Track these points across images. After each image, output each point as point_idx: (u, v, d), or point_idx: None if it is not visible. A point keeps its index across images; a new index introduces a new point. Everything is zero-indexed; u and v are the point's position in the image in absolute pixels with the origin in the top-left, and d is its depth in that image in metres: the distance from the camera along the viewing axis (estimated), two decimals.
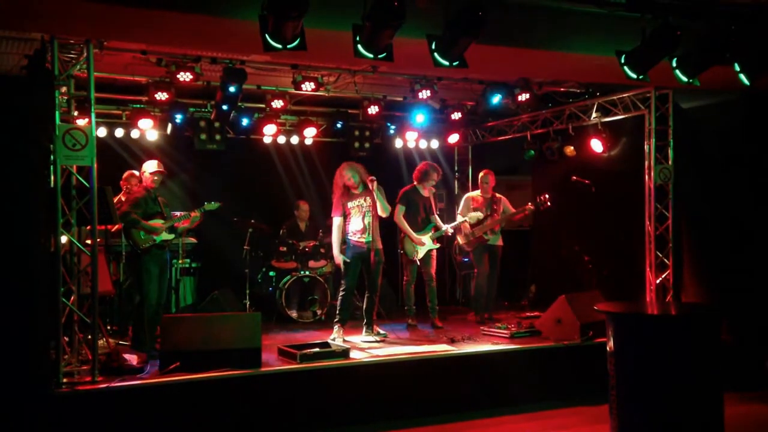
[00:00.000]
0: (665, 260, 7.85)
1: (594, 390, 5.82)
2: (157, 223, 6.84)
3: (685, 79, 6.11)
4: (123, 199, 8.05)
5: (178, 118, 8.45)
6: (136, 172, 8.31)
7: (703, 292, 7.66)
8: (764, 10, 6.06)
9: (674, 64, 6.06)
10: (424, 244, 8.08)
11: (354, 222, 7.40)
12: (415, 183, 8.28)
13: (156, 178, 6.97)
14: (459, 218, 8.46)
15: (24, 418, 5.08)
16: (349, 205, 7.43)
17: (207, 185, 9.24)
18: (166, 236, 6.90)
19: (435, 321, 8.10)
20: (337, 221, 7.48)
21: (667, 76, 6.09)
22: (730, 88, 6.57)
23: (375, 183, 7.27)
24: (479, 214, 8.36)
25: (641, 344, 4.56)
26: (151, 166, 6.99)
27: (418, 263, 8.08)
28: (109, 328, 7.46)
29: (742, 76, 6.19)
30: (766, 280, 7.24)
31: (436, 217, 8.30)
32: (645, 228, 7.91)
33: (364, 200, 7.35)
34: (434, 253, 8.23)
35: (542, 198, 8.28)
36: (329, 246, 9.14)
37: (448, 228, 8.29)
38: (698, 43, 5.90)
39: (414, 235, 8.02)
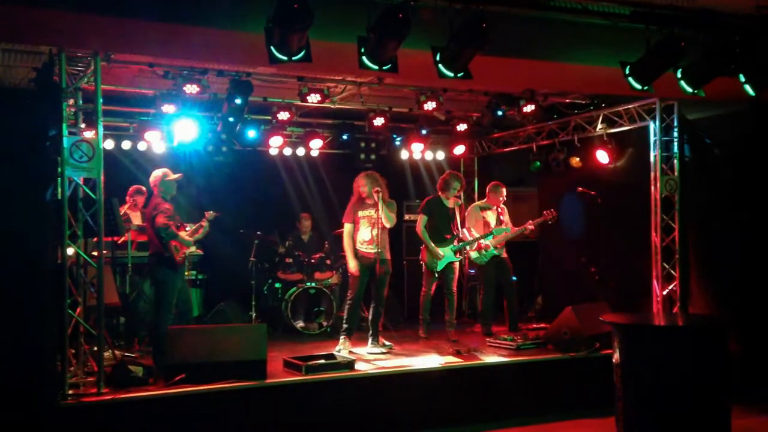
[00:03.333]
0: (672, 271, 7.82)
1: (601, 402, 5.80)
2: (185, 235, 6.75)
3: (690, 90, 6.10)
4: (128, 211, 8.10)
5: None
6: (143, 188, 8.36)
7: (711, 304, 7.61)
8: None
9: (679, 75, 6.05)
10: (443, 256, 7.92)
11: (362, 232, 7.40)
12: (439, 193, 8.16)
13: (171, 185, 6.84)
14: (475, 234, 8.24)
15: (30, 430, 5.08)
16: (360, 214, 7.43)
17: (213, 197, 9.28)
18: (192, 248, 6.86)
19: (450, 335, 7.91)
20: (347, 228, 7.46)
21: (672, 87, 6.09)
22: (736, 99, 6.56)
23: (380, 194, 7.27)
24: (505, 229, 8.26)
25: (648, 355, 4.55)
26: (161, 176, 6.84)
27: (435, 275, 7.96)
28: (114, 340, 7.46)
29: (748, 87, 6.17)
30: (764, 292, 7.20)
31: (463, 229, 8.09)
32: (651, 239, 7.88)
33: (374, 211, 7.35)
34: (456, 265, 8.04)
35: (549, 212, 8.27)
36: (335, 257, 9.17)
37: (478, 239, 8.09)
38: (703, 54, 5.90)
39: (433, 246, 7.88)
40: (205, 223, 7.06)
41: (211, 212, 7.18)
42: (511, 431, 6.15)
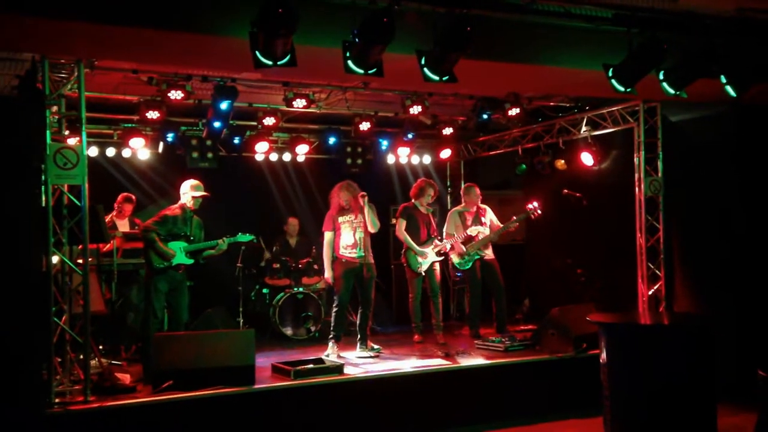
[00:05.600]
0: (657, 272, 7.88)
1: (588, 402, 5.82)
2: (171, 249, 6.60)
3: (672, 91, 6.15)
4: (115, 218, 8.05)
5: (170, 136, 8.47)
6: (132, 196, 8.33)
7: (696, 303, 7.68)
8: (749, 23, 6.13)
9: (661, 77, 6.10)
10: (427, 256, 7.95)
11: (345, 237, 7.40)
12: (413, 200, 8.20)
13: (193, 198, 6.76)
14: (455, 237, 8.25)
15: None
16: (340, 219, 7.45)
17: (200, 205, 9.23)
18: (182, 260, 6.66)
19: (439, 337, 7.92)
20: (327, 237, 7.48)
21: (655, 89, 6.14)
22: (718, 100, 6.63)
23: (365, 199, 7.29)
24: (480, 228, 8.29)
25: (634, 354, 4.58)
26: (188, 186, 6.80)
27: (423, 275, 7.96)
28: (101, 347, 7.40)
29: (729, 88, 6.24)
30: (758, 291, 7.26)
31: (438, 237, 8.15)
32: (636, 240, 7.94)
33: (355, 216, 7.36)
34: (437, 266, 8.07)
35: (532, 207, 8.26)
36: (322, 263, 9.15)
37: (446, 244, 8.15)
38: (685, 55, 5.96)
39: (416, 247, 7.92)
40: (222, 242, 6.87)
41: (247, 235, 7.13)
42: None
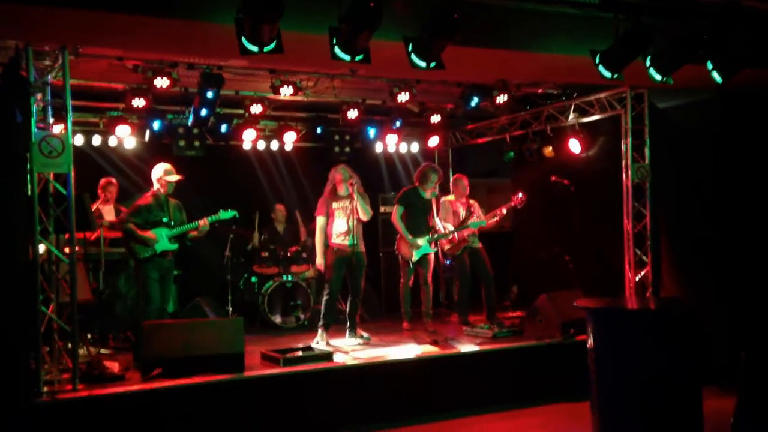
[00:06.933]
0: (644, 258, 7.93)
1: (576, 387, 5.85)
2: (152, 234, 6.55)
3: (659, 77, 6.18)
4: (100, 206, 8.00)
5: (156, 124, 8.41)
6: (113, 179, 8.27)
7: (682, 289, 7.74)
8: (735, 9, 6.15)
9: (648, 63, 6.12)
10: (420, 246, 7.85)
11: (338, 224, 7.39)
12: (416, 184, 8.07)
13: (165, 183, 6.68)
14: (449, 227, 8.24)
15: (5, 428, 5.02)
16: (334, 205, 7.43)
17: (186, 193, 9.18)
18: (167, 246, 6.61)
19: (428, 325, 7.88)
20: (320, 221, 7.45)
21: (642, 75, 6.16)
22: (704, 86, 6.66)
23: (355, 186, 7.28)
24: (482, 221, 8.24)
25: (620, 339, 4.61)
26: (158, 171, 6.71)
27: (411, 266, 7.92)
28: (89, 336, 7.39)
29: (715, 74, 6.27)
30: (743, 276, 7.33)
31: (437, 220, 8.06)
32: (623, 226, 7.99)
33: (349, 203, 7.34)
34: (431, 256, 7.98)
35: (518, 197, 8.26)
36: (311, 251, 9.14)
37: (453, 233, 8.10)
38: (671, 41, 5.97)
39: (409, 237, 7.81)
40: (204, 222, 6.81)
41: (229, 211, 7.01)
42: (488, 417, 6.20)
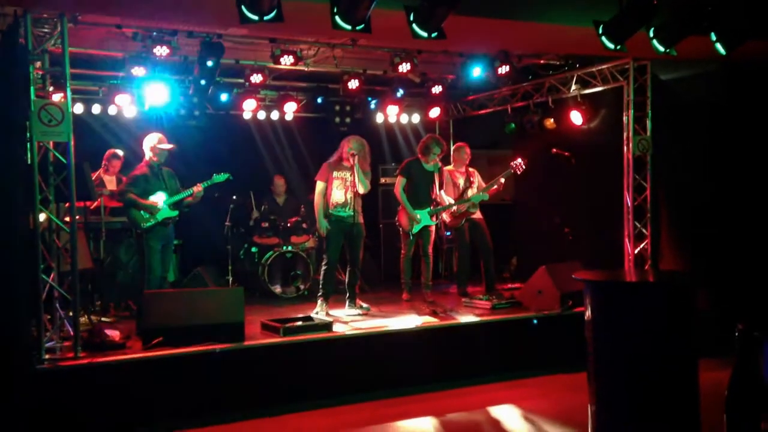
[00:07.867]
0: (643, 230, 7.94)
1: (574, 358, 5.89)
2: (155, 201, 6.67)
3: (662, 49, 6.12)
4: (102, 175, 8.00)
5: (157, 93, 8.32)
6: (120, 152, 8.24)
7: (680, 262, 7.77)
8: None
9: (651, 34, 6.06)
10: (420, 219, 7.80)
11: (336, 193, 7.37)
12: (419, 156, 7.99)
13: (158, 151, 6.77)
14: (449, 200, 8.16)
15: (6, 395, 5.08)
16: (335, 174, 7.40)
17: (187, 161, 9.17)
18: (168, 213, 6.71)
19: (427, 296, 7.86)
20: (319, 186, 7.42)
21: (645, 47, 6.11)
22: (707, 57, 6.60)
23: (355, 158, 7.26)
24: (484, 195, 8.19)
25: (618, 311, 4.62)
26: (152, 140, 6.81)
27: (412, 237, 7.87)
28: (92, 307, 7.43)
29: (719, 46, 6.20)
30: (741, 250, 7.35)
31: (441, 193, 7.97)
32: (624, 199, 7.98)
33: (349, 174, 7.33)
34: (432, 228, 7.94)
35: (516, 163, 8.17)
36: (311, 221, 9.15)
37: (453, 205, 8.08)
38: (675, 12, 5.91)
39: (411, 209, 7.77)
40: (199, 188, 6.90)
41: (222, 174, 7.11)
42: (487, 387, 6.28)
